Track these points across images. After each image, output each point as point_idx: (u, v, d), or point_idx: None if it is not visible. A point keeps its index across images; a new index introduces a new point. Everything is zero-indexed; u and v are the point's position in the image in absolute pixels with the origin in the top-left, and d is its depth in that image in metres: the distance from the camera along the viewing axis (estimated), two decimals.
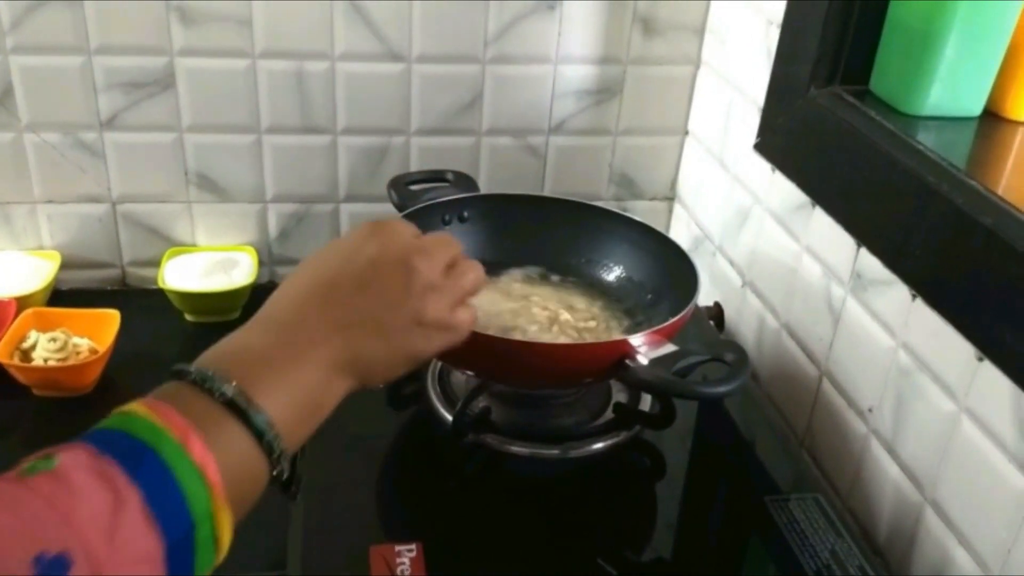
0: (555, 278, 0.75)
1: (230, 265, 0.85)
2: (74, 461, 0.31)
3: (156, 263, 0.86)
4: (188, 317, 0.83)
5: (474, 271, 0.46)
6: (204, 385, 0.36)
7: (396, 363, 0.43)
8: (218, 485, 0.34)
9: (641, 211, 0.94)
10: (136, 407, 0.35)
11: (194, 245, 0.88)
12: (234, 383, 0.36)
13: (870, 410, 0.63)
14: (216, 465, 0.34)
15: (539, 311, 0.70)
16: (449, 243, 0.46)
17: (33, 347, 0.72)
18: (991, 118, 0.65)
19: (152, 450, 0.33)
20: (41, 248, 0.86)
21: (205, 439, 0.34)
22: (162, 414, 0.34)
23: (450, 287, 0.44)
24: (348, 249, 0.43)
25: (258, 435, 0.36)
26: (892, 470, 0.60)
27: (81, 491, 0.30)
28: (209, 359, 0.38)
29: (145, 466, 0.32)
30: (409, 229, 0.45)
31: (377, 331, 0.41)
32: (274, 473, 0.37)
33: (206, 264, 0.84)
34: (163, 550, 0.32)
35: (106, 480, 0.31)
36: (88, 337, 0.74)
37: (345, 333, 0.40)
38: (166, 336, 0.82)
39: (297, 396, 0.38)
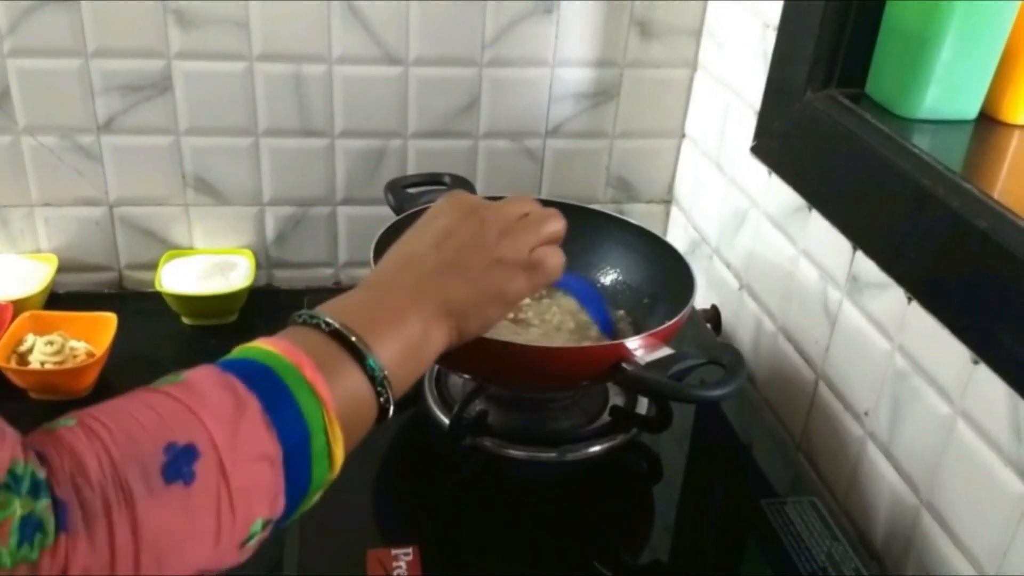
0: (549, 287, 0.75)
1: (227, 268, 0.85)
2: (200, 374, 0.35)
3: (153, 266, 0.86)
4: (185, 320, 0.82)
5: (552, 218, 0.48)
6: (312, 321, 0.39)
7: (485, 303, 0.45)
8: (330, 401, 0.36)
9: (638, 214, 0.95)
10: (257, 342, 0.38)
11: (191, 248, 0.88)
12: (338, 320, 0.39)
13: (866, 413, 0.63)
14: (327, 384, 0.36)
15: (534, 316, 0.70)
16: (520, 200, 0.49)
17: (30, 350, 0.72)
18: (987, 121, 0.65)
19: (268, 368, 0.36)
20: (38, 251, 0.86)
21: (318, 363, 0.37)
22: (279, 345, 0.38)
23: (524, 229, 0.47)
24: (426, 222, 0.48)
25: (365, 367, 0.39)
26: (888, 473, 0.60)
27: (207, 395, 0.34)
28: (320, 308, 0.41)
29: (262, 380, 0.35)
30: (478, 197, 0.49)
31: (461, 274, 0.44)
32: (382, 405, 0.40)
33: (203, 267, 0.84)
34: (281, 453, 0.35)
35: (228, 389, 0.35)
36: (85, 340, 0.74)
37: (433, 281, 0.44)
38: (163, 339, 0.82)
39: (397, 341, 0.41)
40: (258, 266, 0.88)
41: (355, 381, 0.39)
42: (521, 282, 0.46)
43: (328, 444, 0.36)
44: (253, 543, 0.35)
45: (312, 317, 0.40)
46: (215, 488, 0.33)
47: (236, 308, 0.83)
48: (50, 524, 0.29)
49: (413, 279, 0.44)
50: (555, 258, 0.48)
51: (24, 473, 0.29)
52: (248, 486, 0.34)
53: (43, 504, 0.29)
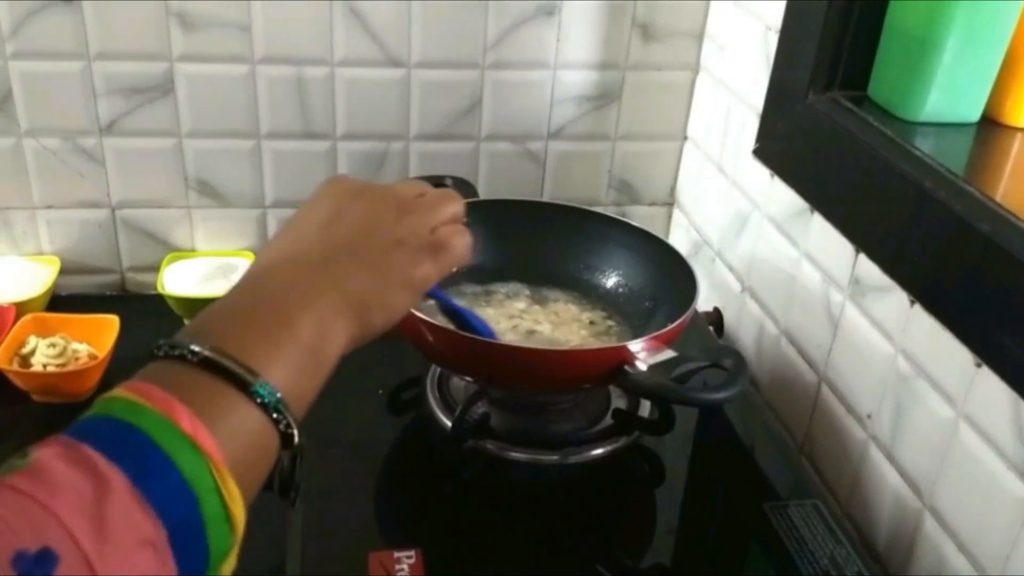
0: (551, 291, 0.75)
1: (229, 270, 0.85)
2: (50, 452, 0.29)
3: (155, 268, 0.86)
4: (188, 323, 0.82)
5: (449, 198, 0.43)
6: (175, 353, 0.33)
7: (389, 291, 0.39)
8: (216, 453, 0.30)
9: (640, 217, 0.94)
10: (115, 391, 0.32)
11: (193, 251, 0.88)
12: (206, 344, 0.33)
13: (869, 416, 0.63)
14: (210, 433, 0.30)
15: (533, 323, 0.70)
16: (412, 181, 0.45)
17: (32, 353, 0.72)
18: (989, 124, 0.65)
19: (134, 428, 0.29)
20: (40, 253, 0.86)
21: (192, 408, 0.30)
22: (141, 391, 0.31)
23: (423, 209, 0.42)
24: (307, 205, 0.42)
25: (252, 394, 0.32)
26: (891, 476, 0.60)
27: (60, 482, 0.28)
28: (187, 330, 0.35)
29: (127, 446, 0.29)
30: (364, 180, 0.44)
31: (357, 260, 0.38)
32: (283, 432, 0.33)
33: (206, 269, 0.84)
34: (164, 532, 0.28)
35: (86, 467, 0.28)
36: (87, 343, 0.74)
37: (324, 271, 0.38)
38: None
39: (290, 353, 0.35)
40: None
41: (246, 416, 0.32)
42: (426, 265, 0.40)
43: (224, 505, 0.30)
44: None
45: (173, 347, 0.33)
46: None
47: None
48: None
49: (298, 272, 0.37)
50: (461, 236, 0.43)
51: None
52: None
53: None
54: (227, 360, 0.32)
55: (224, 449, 0.31)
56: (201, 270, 0.84)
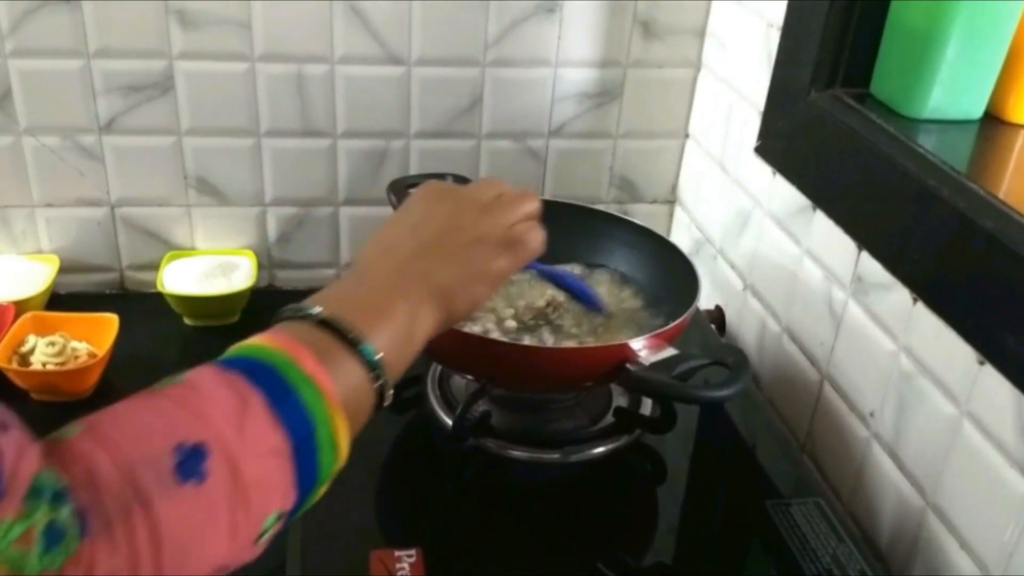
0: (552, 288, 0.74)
1: (229, 269, 0.85)
2: (200, 374, 0.35)
3: (155, 267, 0.85)
4: (187, 321, 0.82)
5: (526, 197, 0.48)
6: (299, 314, 0.39)
7: (470, 282, 0.45)
8: (331, 392, 0.36)
9: (642, 214, 0.94)
10: (252, 339, 0.38)
11: (193, 249, 0.87)
12: (326, 310, 0.39)
13: (871, 414, 0.63)
14: (328, 376, 0.36)
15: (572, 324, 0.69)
16: (492, 181, 0.49)
17: (31, 351, 0.72)
18: (992, 121, 0.64)
19: (268, 364, 0.36)
20: (40, 252, 0.85)
21: (316, 354, 0.37)
22: (275, 340, 0.37)
23: (501, 208, 0.47)
24: (402, 211, 0.48)
25: (360, 355, 0.39)
26: (894, 474, 0.60)
27: (210, 394, 0.34)
28: (306, 301, 0.41)
29: (264, 375, 0.35)
30: (451, 183, 0.50)
31: (442, 255, 0.44)
32: (377, 388, 0.39)
33: (205, 268, 0.84)
34: (290, 446, 0.35)
35: (231, 386, 0.35)
36: (87, 341, 0.74)
37: (414, 265, 0.44)
38: (165, 340, 0.82)
39: (387, 328, 0.41)
40: (260, 267, 0.88)
41: (352, 369, 0.39)
42: (503, 259, 0.46)
43: (333, 434, 0.37)
44: (267, 537, 0.36)
45: (300, 310, 0.40)
46: (227, 485, 0.33)
47: (238, 309, 0.83)
48: (73, 531, 0.29)
49: (394, 264, 0.44)
50: (535, 233, 0.47)
51: (46, 482, 0.29)
52: (259, 481, 0.34)
53: (65, 513, 0.29)
54: (342, 323, 0.39)
55: (337, 390, 0.37)
56: (201, 268, 0.84)
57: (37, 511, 0.28)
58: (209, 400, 0.34)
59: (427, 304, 0.43)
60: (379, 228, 0.47)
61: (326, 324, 0.39)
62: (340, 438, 0.37)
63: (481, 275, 0.45)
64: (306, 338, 0.38)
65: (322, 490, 0.38)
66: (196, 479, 0.32)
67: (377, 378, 0.39)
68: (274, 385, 0.35)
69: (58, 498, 0.29)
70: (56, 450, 0.31)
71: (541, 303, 0.68)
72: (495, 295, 0.50)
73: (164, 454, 0.32)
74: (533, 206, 0.48)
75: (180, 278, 0.83)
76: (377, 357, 0.39)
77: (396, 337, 0.41)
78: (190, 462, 0.32)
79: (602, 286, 0.73)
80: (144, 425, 0.33)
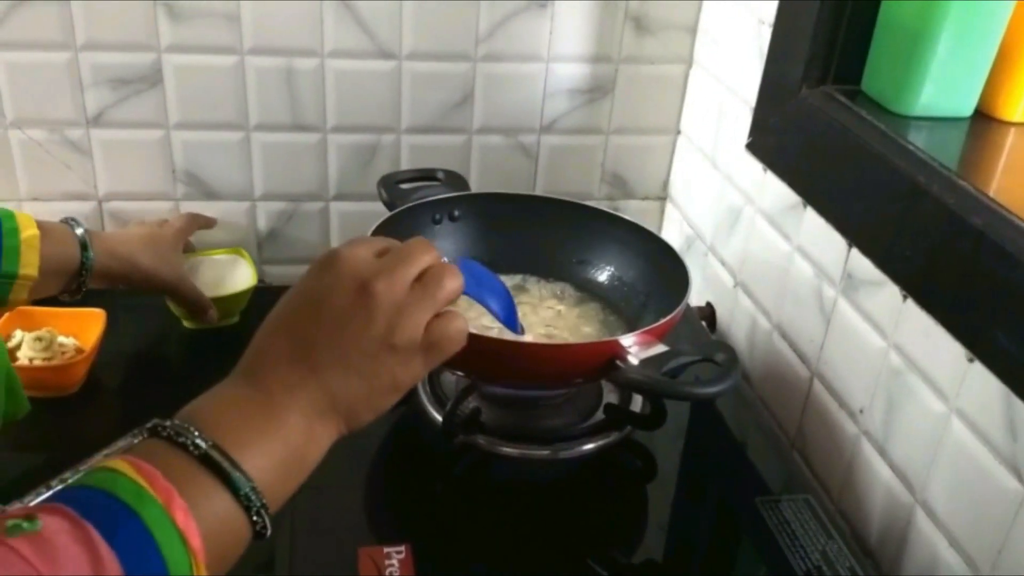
0: (544, 280, 0.74)
1: (216, 266, 0.83)
2: (57, 525, 0.31)
3: None
4: (187, 324, 0.81)
5: (449, 277, 0.42)
6: (178, 439, 0.36)
7: (377, 396, 0.41)
8: (200, 552, 0.33)
9: (633, 211, 0.94)
10: (121, 465, 0.34)
11: (191, 251, 0.85)
12: (209, 440, 0.36)
13: (861, 411, 0.63)
14: (198, 530, 0.33)
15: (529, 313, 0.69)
16: (414, 254, 0.42)
17: (18, 346, 0.71)
18: (982, 119, 0.65)
19: (136, 515, 0.32)
20: None
21: (190, 501, 0.34)
22: (147, 475, 0.34)
23: (419, 302, 0.41)
24: (307, 288, 0.42)
25: (236, 493, 0.35)
26: (883, 471, 0.60)
27: (63, 556, 0.30)
28: (185, 415, 0.37)
29: (127, 533, 0.32)
30: (366, 250, 0.42)
31: (348, 367, 0.39)
32: (256, 529, 0.36)
33: (200, 268, 0.83)
34: None
35: (87, 547, 0.31)
36: (74, 336, 0.73)
37: (316, 375, 0.39)
38: (152, 336, 0.82)
39: (277, 449, 0.37)
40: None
41: (231, 515, 0.35)
42: (416, 366, 0.41)
43: None
44: None
45: (179, 434, 0.36)
46: None
47: (237, 310, 0.81)
48: None
49: (293, 373, 0.39)
50: (454, 328, 0.42)
51: None
52: None
53: None
54: (225, 462, 0.35)
55: (206, 543, 0.33)
56: (197, 270, 0.83)
57: None
58: (61, 564, 0.30)
59: (325, 419, 0.39)
60: (281, 306, 0.42)
61: (205, 458, 0.35)
62: None
63: (390, 386, 0.41)
64: (183, 474, 0.34)
65: None
66: None
67: (256, 522, 0.36)
68: (137, 547, 0.32)
69: None
70: None
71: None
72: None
73: None
74: (456, 287, 0.43)
75: None
76: (259, 498, 0.36)
77: (286, 459, 0.38)
78: None
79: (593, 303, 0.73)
80: None
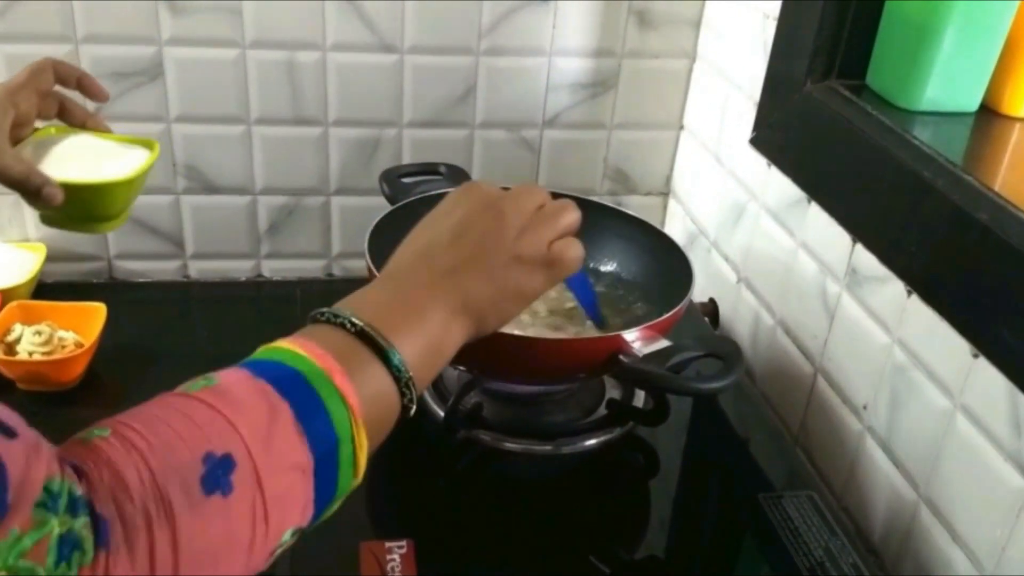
0: None
1: (113, 153, 0.60)
2: (232, 379, 0.35)
3: (144, 256, 0.84)
4: (41, 220, 0.58)
5: (568, 211, 0.47)
6: (336, 320, 0.39)
7: (504, 301, 0.44)
8: (357, 409, 0.36)
9: (636, 206, 0.94)
10: (283, 343, 0.38)
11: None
12: (362, 320, 0.39)
13: (865, 407, 0.62)
14: (356, 391, 0.36)
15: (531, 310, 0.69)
16: (534, 190, 0.47)
17: (18, 340, 0.71)
18: (988, 113, 0.64)
19: (299, 374, 0.36)
20: (26, 240, 0.84)
21: (346, 368, 0.37)
22: (307, 347, 0.37)
23: (542, 224, 0.45)
24: (443, 212, 0.46)
25: (391, 368, 0.38)
26: (887, 467, 0.60)
27: (241, 402, 0.34)
28: (342, 304, 0.41)
29: (294, 387, 0.35)
30: (495, 186, 0.48)
31: (480, 271, 0.44)
32: (404, 402, 0.39)
33: (65, 147, 0.58)
34: (312, 462, 0.34)
35: (262, 395, 0.34)
36: (74, 331, 0.73)
37: (452, 278, 0.43)
38: (153, 330, 0.81)
39: (420, 338, 0.41)
40: (248, 256, 0.87)
41: (381, 382, 0.38)
42: (539, 278, 0.45)
43: (354, 452, 0.36)
44: (280, 551, 0.35)
45: (336, 316, 0.39)
46: (251, 499, 0.32)
47: (114, 211, 0.58)
48: (89, 542, 0.28)
49: (432, 275, 0.43)
50: (573, 251, 0.46)
51: (61, 490, 0.28)
52: (281, 496, 0.33)
53: (81, 522, 0.28)
54: (378, 335, 0.38)
55: (363, 405, 0.36)
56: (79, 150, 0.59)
57: (50, 521, 0.28)
58: (239, 409, 0.33)
59: (460, 318, 0.43)
60: (418, 228, 0.47)
61: (361, 334, 0.38)
62: (360, 456, 0.37)
63: (516, 294, 0.45)
64: (338, 347, 0.38)
65: (336, 506, 0.38)
66: (221, 492, 0.31)
67: (405, 391, 0.39)
68: (304, 398, 0.35)
69: (74, 506, 0.28)
70: (81, 453, 0.31)
71: (570, 304, 0.68)
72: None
73: (192, 463, 0.31)
74: (574, 218, 0.47)
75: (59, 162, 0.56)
76: (407, 371, 0.39)
77: (427, 348, 0.41)
78: (217, 473, 0.32)
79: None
80: (173, 431, 0.32)
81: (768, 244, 0.75)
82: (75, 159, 0.57)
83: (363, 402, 0.36)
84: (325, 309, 0.40)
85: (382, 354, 0.38)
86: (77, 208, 0.56)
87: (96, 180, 0.56)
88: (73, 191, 0.54)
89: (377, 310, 0.40)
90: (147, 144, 0.61)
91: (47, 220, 0.58)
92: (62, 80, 0.60)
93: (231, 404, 0.33)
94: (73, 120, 0.61)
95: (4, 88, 0.57)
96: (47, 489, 0.28)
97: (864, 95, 0.66)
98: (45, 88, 0.59)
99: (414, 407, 0.40)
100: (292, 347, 0.37)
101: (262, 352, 0.37)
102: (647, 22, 0.85)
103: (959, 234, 0.52)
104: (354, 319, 0.39)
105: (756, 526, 0.60)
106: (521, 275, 0.44)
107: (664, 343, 0.56)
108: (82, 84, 0.61)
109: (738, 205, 0.80)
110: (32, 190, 0.54)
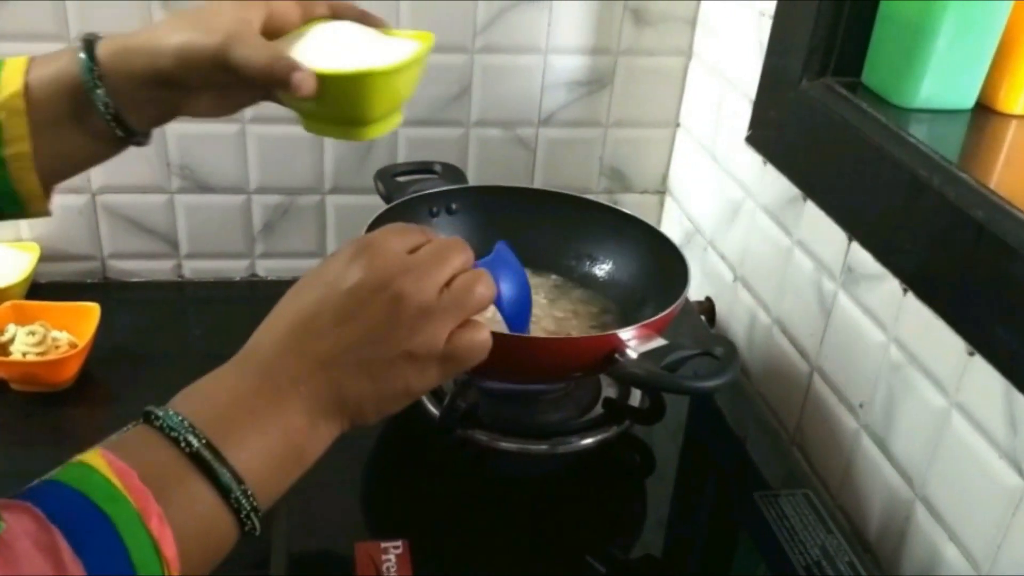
0: (542, 274, 0.74)
1: (374, 42, 0.51)
2: (21, 527, 0.29)
3: (137, 256, 0.84)
4: (304, 125, 0.52)
5: (481, 285, 0.39)
6: (170, 434, 0.33)
7: (387, 401, 0.39)
8: (173, 561, 0.31)
9: (632, 204, 0.94)
10: (97, 460, 0.32)
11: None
12: (203, 436, 0.33)
13: (861, 405, 0.62)
14: (173, 537, 0.31)
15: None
16: (447, 254, 0.39)
17: (11, 341, 0.71)
18: (983, 111, 0.64)
19: (107, 519, 0.30)
20: (19, 240, 0.84)
21: (166, 505, 0.32)
22: (122, 475, 0.31)
23: (446, 311, 0.38)
24: (331, 275, 0.39)
25: (226, 495, 0.33)
26: (883, 466, 0.60)
27: (24, 561, 0.28)
28: (182, 401, 0.36)
29: (95, 539, 0.30)
30: (400, 243, 0.39)
31: (362, 369, 0.37)
32: (245, 529, 0.35)
33: (323, 34, 0.50)
34: None
35: (50, 553, 0.29)
36: (67, 331, 0.73)
37: (327, 372, 0.37)
38: (147, 330, 0.81)
39: (276, 444, 0.35)
40: (243, 256, 0.87)
41: (216, 518, 0.33)
42: (432, 374, 0.39)
43: None
44: None
45: (172, 429, 0.33)
46: None
47: (383, 109, 0.50)
48: None
49: (303, 364, 0.37)
50: (477, 342, 0.39)
51: None
52: None
53: None
54: (216, 462, 0.33)
55: (185, 544, 0.32)
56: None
57: None
58: (21, 564, 0.28)
59: (329, 418, 0.37)
60: (300, 286, 0.39)
61: (198, 458, 0.33)
62: None
63: (403, 392, 0.39)
64: (162, 467, 0.32)
65: None
66: None
67: (245, 521, 0.34)
68: (104, 554, 0.30)
69: None
70: None
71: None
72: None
73: None
74: (486, 295, 0.40)
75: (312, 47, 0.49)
76: (247, 497, 0.33)
77: (283, 456, 0.36)
78: None
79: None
80: None
81: (764, 242, 0.75)
82: (334, 49, 0.49)
83: (189, 540, 0.32)
84: (162, 413, 0.34)
85: (220, 485, 0.33)
86: (336, 105, 0.48)
87: (353, 70, 0.47)
88: (328, 83, 0.46)
89: (228, 409, 0.35)
90: (423, 37, 0.52)
91: (308, 124, 0.51)
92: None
93: (10, 563, 0.28)
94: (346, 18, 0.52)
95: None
96: None
97: (860, 93, 0.65)
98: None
99: (257, 531, 0.35)
100: (108, 474, 0.31)
101: (73, 470, 0.32)
102: (643, 20, 0.85)
103: (955, 232, 0.52)
104: (191, 437, 0.33)
105: (752, 525, 0.60)
106: (411, 373, 0.38)
107: (660, 342, 0.56)
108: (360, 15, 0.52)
109: (734, 203, 0.80)
110: (279, 80, 0.45)
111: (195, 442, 0.33)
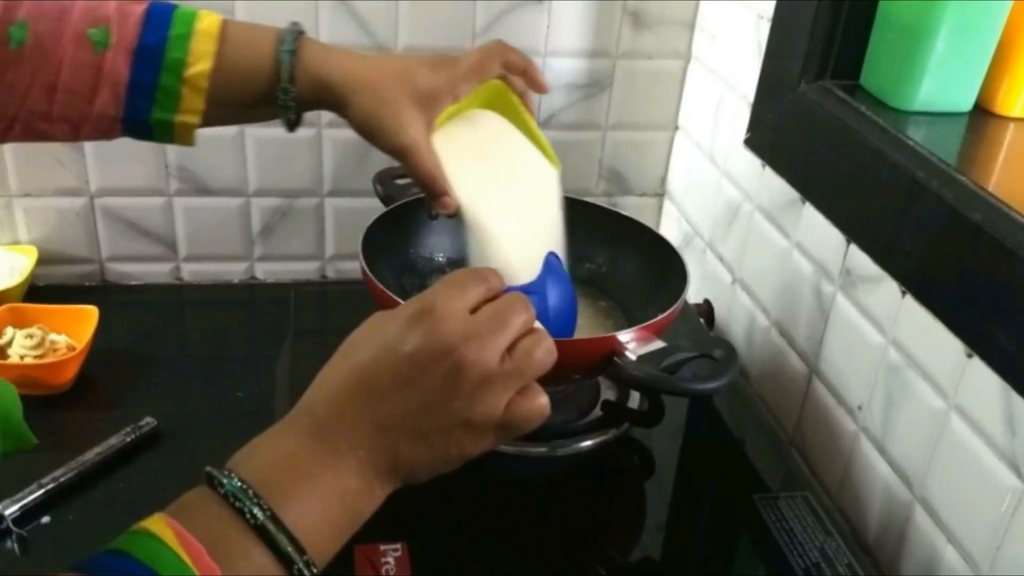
0: None
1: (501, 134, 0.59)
2: None
3: (136, 259, 0.84)
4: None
5: (540, 349, 0.39)
6: (235, 504, 0.33)
7: (441, 464, 0.39)
8: None
9: (631, 207, 0.94)
10: (165, 531, 0.32)
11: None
12: (267, 507, 0.33)
13: (860, 408, 0.62)
14: None
15: None
16: (509, 316, 0.38)
17: (9, 344, 0.70)
18: (982, 114, 0.64)
19: None
20: (17, 243, 0.84)
21: (225, 564, 0.32)
22: (192, 552, 0.31)
23: (508, 377, 0.38)
24: (390, 337, 0.38)
25: (287, 563, 0.33)
26: (881, 468, 0.60)
27: None
28: (243, 462, 0.35)
29: None
30: (462, 302, 0.38)
31: (419, 435, 0.37)
32: None
33: (462, 130, 0.57)
34: None
35: None
36: (65, 334, 0.73)
37: (384, 436, 0.37)
38: (145, 333, 0.81)
39: (334, 509, 0.36)
40: (241, 258, 0.87)
41: (267, 566, 0.33)
42: (488, 441, 0.38)
43: None
44: None
45: (235, 497, 0.33)
46: None
47: None
48: None
49: (362, 423, 0.36)
50: (535, 409, 0.39)
51: None
52: None
53: None
54: (281, 535, 0.33)
55: None
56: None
57: None
58: None
59: (383, 480, 0.37)
60: (355, 359, 0.38)
61: (262, 531, 0.33)
62: None
63: (457, 457, 0.38)
64: (231, 556, 0.32)
65: None
66: None
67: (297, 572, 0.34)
68: None
69: None
70: None
71: None
72: None
73: None
74: (547, 359, 0.39)
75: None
76: (302, 560, 0.33)
77: (341, 519, 0.36)
78: None
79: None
80: None
81: (763, 245, 0.75)
82: (477, 162, 0.55)
83: None
84: (225, 481, 0.34)
85: (283, 558, 0.33)
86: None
87: (489, 227, 0.55)
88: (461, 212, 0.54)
89: (289, 477, 0.35)
90: (551, 158, 0.58)
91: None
92: (509, 69, 0.56)
93: None
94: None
95: (449, 75, 0.53)
96: None
97: (858, 95, 0.66)
98: (489, 76, 0.55)
99: None
100: (177, 549, 0.31)
101: (141, 542, 0.31)
102: (641, 23, 0.85)
103: (953, 234, 0.52)
104: (256, 510, 0.33)
105: (751, 527, 0.60)
106: (467, 440, 0.38)
107: (659, 344, 0.56)
108: (527, 74, 0.57)
109: (733, 206, 0.80)
110: (431, 193, 0.54)
111: (260, 515, 0.33)
